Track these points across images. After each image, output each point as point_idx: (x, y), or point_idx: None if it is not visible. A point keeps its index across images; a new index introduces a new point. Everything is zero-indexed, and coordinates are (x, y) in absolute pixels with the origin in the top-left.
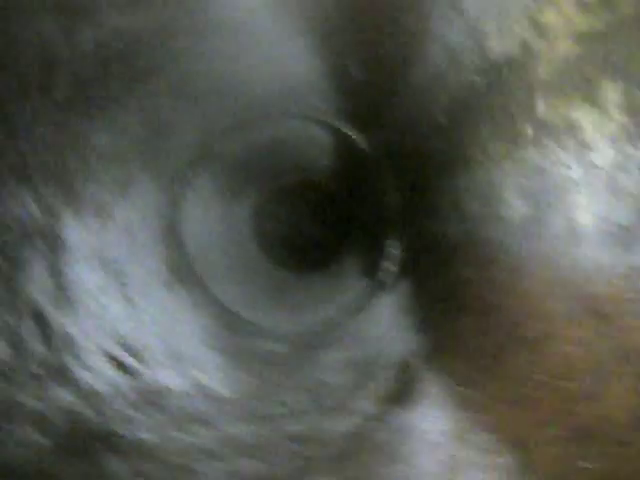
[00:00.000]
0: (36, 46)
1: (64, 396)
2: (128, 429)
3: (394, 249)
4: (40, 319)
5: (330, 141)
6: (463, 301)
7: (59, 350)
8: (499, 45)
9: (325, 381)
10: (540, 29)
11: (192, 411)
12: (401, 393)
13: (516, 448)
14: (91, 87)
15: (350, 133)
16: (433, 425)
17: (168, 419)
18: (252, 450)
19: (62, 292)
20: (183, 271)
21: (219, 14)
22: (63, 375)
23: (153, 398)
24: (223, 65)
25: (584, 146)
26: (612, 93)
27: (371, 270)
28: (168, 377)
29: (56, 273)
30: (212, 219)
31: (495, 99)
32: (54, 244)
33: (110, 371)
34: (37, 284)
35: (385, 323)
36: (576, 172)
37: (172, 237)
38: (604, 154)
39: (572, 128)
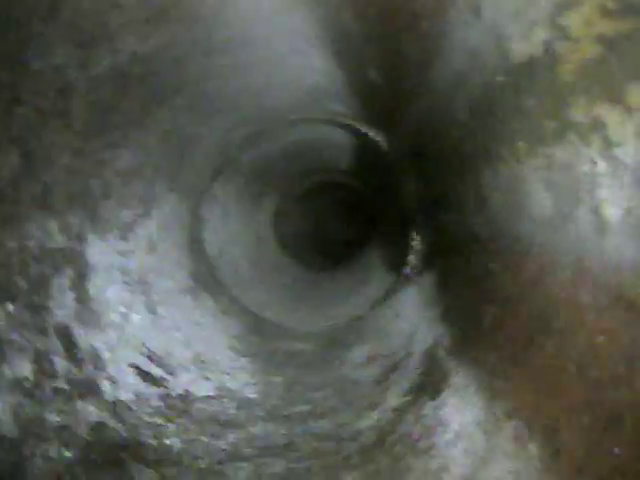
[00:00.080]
0: (53, 76)
1: (90, 409)
2: (155, 437)
3: (418, 243)
4: (65, 336)
5: (350, 142)
6: (489, 292)
7: (84, 364)
8: (521, 47)
9: (352, 377)
10: (563, 32)
11: (219, 415)
12: (429, 385)
13: (546, 436)
14: (109, 112)
15: (369, 133)
16: (463, 416)
17: (195, 424)
18: (281, 450)
19: (86, 308)
20: (207, 278)
21: (233, 30)
22: (89, 388)
23: (179, 404)
24: (239, 78)
25: (608, 142)
26: (636, 93)
27: (395, 264)
28: (194, 383)
29: (80, 290)
30: (234, 226)
31: (518, 98)
32: (78, 264)
33: (136, 381)
34: (61, 302)
35: (410, 316)
36: (601, 167)
37: (195, 247)
38: (628, 150)
39: (596, 125)
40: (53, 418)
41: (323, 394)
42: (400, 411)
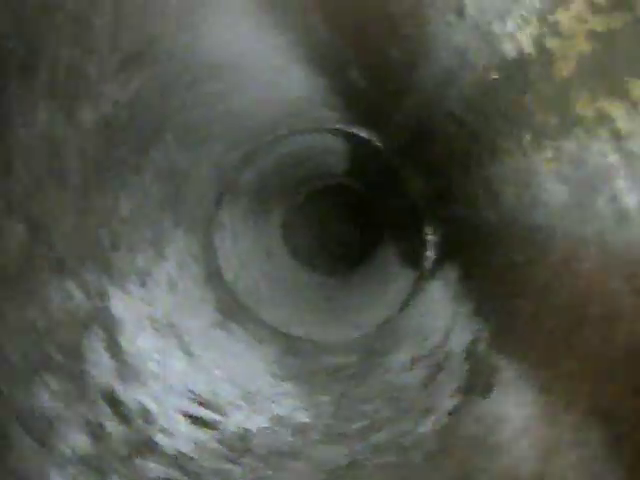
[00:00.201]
0: (41, 137)
1: (151, 465)
2: None
3: (432, 237)
4: (112, 400)
5: (342, 145)
6: (516, 284)
7: (135, 422)
8: (511, 45)
9: (399, 383)
10: (553, 29)
11: (278, 446)
12: (479, 382)
13: (605, 421)
14: (103, 162)
15: (360, 134)
16: (517, 410)
17: (257, 460)
18: (345, 471)
19: (123, 363)
20: (232, 307)
21: (212, 58)
22: (145, 445)
23: (238, 444)
24: (224, 102)
25: (618, 135)
26: (638, 86)
27: (413, 261)
28: (247, 418)
29: (115, 350)
30: (245, 248)
31: (515, 94)
32: (106, 322)
33: (190, 428)
34: (97, 363)
35: (442, 313)
36: (613, 159)
37: (213, 277)
38: (639, 141)
39: (602, 119)
40: None
41: (374, 406)
42: (456, 412)
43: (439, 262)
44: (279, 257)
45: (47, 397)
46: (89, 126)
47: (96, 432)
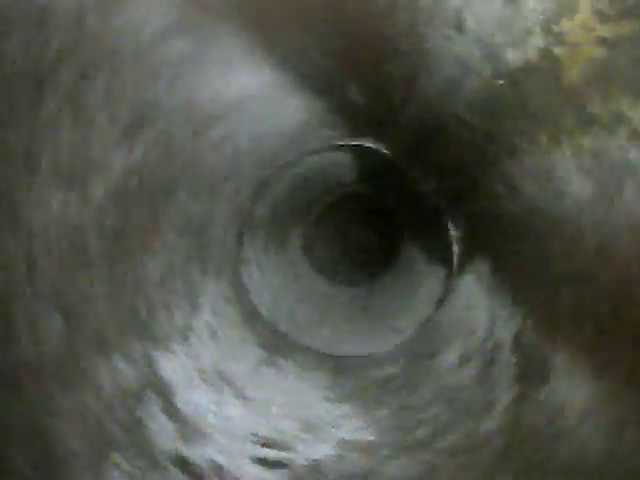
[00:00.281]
0: (57, 221)
1: None
2: None
3: (456, 233)
4: (182, 462)
5: (353, 158)
6: (552, 273)
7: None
8: (515, 54)
9: (453, 384)
10: (559, 38)
11: (350, 469)
12: (534, 371)
13: None
14: (122, 232)
15: (369, 145)
16: (577, 394)
17: None
18: None
19: (186, 425)
20: (273, 341)
21: (213, 105)
22: None
23: (313, 476)
24: (230, 144)
25: (637, 133)
26: None
27: (439, 260)
28: (313, 449)
29: (172, 411)
30: (274, 277)
31: (524, 99)
32: (159, 387)
33: (263, 473)
34: (162, 432)
35: (480, 307)
36: (633, 153)
37: (250, 315)
38: None
39: (619, 118)
40: None
41: (433, 411)
42: (518, 404)
43: (468, 256)
44: (306, 278)
45: (118, 475)
46: (102, 199)
47: None
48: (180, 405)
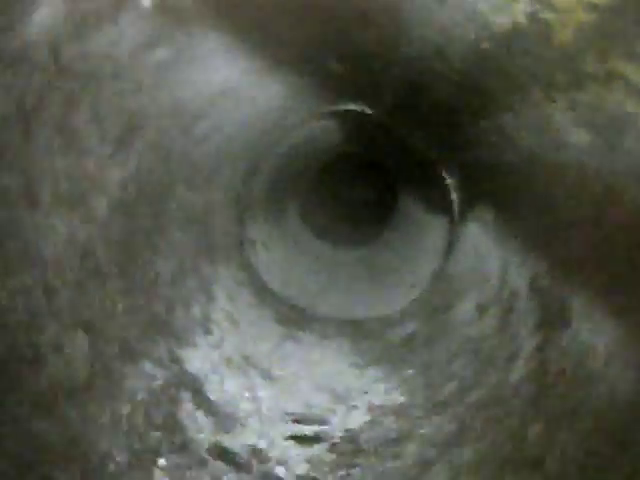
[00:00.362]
0: (67, 242)
1: None
2: None
3: (452, 182)
4: (225, 454)
5: (342, 124)
6: (560, 218)
7: (252, 465)
8: (501, 19)
9: (474, 335)
10: (547, 5)
11: (387, 434)
12: (554, 316)
13: None
14: (128, 237)
15: (352, 107)
16: (601, 336)
17: (373, 456)
18: (457, 438)
19: (220, 415)
20: (290, 315)
21: (197, 103)
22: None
23: (350, 447)
24: (220, 134)
25: (632, 89)
26: None
27: (438, 209)
28: (347, 418)
29: (207, 405)
30: (280, 252)
31: (513, 59)
32: (190, 383)
33: (301, 450)
34: (201, 428)
35: (490, 255)
36: (631, 107)
37: (263, 293)
38: None
39: (614, 76)
40: None
41: (459, 363)
42: (542, 350)
43: (469, 204)
44: (309, 246)
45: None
46: (105, 213)
47: None
48: (212, 396)
